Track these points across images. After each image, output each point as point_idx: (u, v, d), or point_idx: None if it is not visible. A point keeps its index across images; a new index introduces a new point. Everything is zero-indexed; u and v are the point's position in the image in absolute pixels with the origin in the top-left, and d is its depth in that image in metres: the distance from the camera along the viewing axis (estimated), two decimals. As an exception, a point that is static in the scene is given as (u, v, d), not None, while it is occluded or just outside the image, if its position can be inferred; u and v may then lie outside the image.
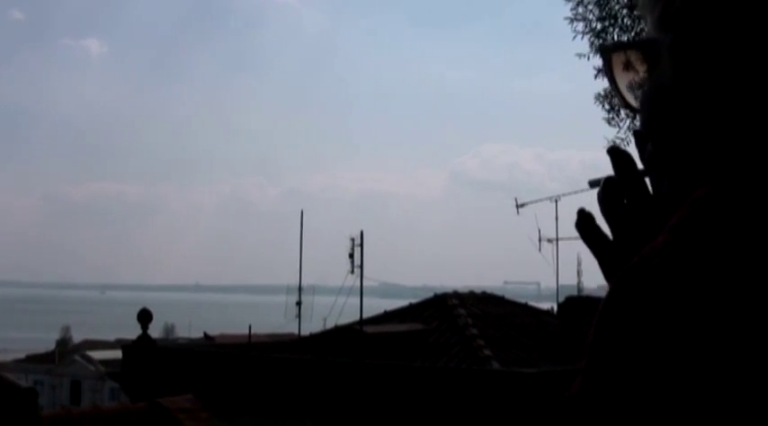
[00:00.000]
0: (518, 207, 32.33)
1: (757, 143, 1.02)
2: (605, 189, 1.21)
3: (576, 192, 36.77)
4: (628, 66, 1.18)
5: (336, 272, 27.94)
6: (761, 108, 1.03)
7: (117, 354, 33.21)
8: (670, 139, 1.11)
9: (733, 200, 0.94)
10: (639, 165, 1.19)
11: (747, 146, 1.03)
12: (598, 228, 1.21)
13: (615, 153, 1.22)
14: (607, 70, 1.21)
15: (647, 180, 1.20)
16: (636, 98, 1.18)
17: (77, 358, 70.98)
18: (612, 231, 1.22)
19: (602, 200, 1.21)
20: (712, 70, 1.05)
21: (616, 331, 0.92)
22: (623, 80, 1.19)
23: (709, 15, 1.06)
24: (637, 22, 12.30)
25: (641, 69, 1.16)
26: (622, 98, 1.20)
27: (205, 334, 37.91)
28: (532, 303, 31.05)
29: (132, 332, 26.92)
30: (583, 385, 0.93)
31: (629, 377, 0.89)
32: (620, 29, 12.34)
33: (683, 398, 0.85)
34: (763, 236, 0.89)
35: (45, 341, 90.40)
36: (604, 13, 12.53)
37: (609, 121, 12.58)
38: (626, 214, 1.20)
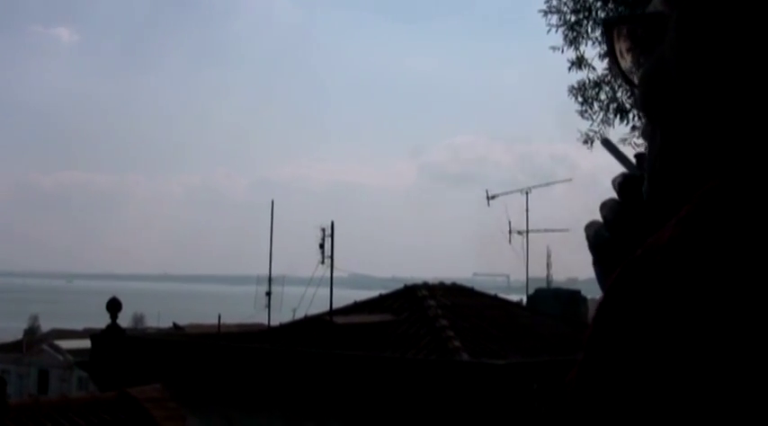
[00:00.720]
0: (489, 198, 32.50)
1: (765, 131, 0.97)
2: (625, 187, 1.18)
3: (546, 185, 36.98)
4: (630, 41, 1.14)
5: (306, 263, 27.97)
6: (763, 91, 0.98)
7: (85, 343, 33.04)
8: (668, 120, 1.06)
9: (745, 195, 0.89)
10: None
11: (759, 134, 0.97)
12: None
13: (607, 144, 1.21)
14: (608, 44, 1.16)
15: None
16: (636, 74, 1.13)
17: (45, 347, 70.52)
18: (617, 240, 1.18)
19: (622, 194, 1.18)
20: (721, 49, 1.00)
21: (618, 325, 0.89)
22: (624, 55, 1.14)
23: None
24: (611, 14, 12.32)
25: (644, 44, 1.11)
26: (623, 73, 1.15)
27: (174, 324, 37.79)
28: (502, 295, 31.11)
29: (101, 321, 26.80)
30: (579, 378, 0.91)
31: (629, 373, 0.86)
32: (595, 21, 12.37)
33: (689, 396, 0.82)
34: None
35: (12, 331, 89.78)
36: (579, 6, 12.56)
37: (582, 114, 12.62)
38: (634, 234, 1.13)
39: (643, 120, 1.13)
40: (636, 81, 1.13)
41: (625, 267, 0.92)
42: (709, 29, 1.01)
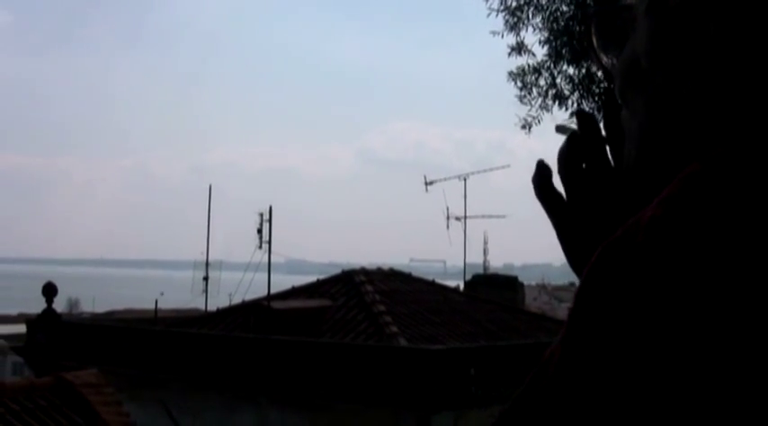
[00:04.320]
0: (427, 184, 32.57)
1: (745, 115, 0.98)
2: (569, 144, 1.20)
3: (484, 171, 37.14)
4: (607, 33, 1.16)
5: (244, 248, 27.88)
6: (743, 76, 0.99)
7: (20, 328, 32.71)
8: (644, 108, 1.08)
9: (728, 178, 0.90)
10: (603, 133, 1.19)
11: (734, 118, 0.98)
12: (553, 186, 1.20)
13: (582, 116, 1.21)
14: (587, 36, 1.19)
15: (609, 148, 1.20)
16: (614, 65, 1.15)
17: (-22, 332, 69.74)
18: (567, 190, 1.20)
19: (564, 156, 1.20)
20: (690, 36, 1.02)
21: (598, 307, 0.88)
22: (602, 47, 1.18)
23: None
24: (552, 1, 12.39)
25: (619, 36, 1.13)
26: (602, 65, 1.18)
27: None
28: (439, 280, 31.15)
29: (35, 306, 26.54)
30: (560, 362, 0.89)
31: (609, 356, 0.85)
32: (535, 8, 12.43)
33: (671, 380, 0.82)
34: (757, 216, 0.86)
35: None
36: (520, -9, 12.59)
37: (521, 99, 12.67)
38: (584, 176, 1.19)
39: (623, 113, 1.15)
40: (612, 71, 1.16)
41: (605, 247, 0.91)
42: (675, 20, 1.04)
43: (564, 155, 1.20)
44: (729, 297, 0.83)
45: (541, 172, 1.23)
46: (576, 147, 1.20)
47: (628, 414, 0.84)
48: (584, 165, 1.20)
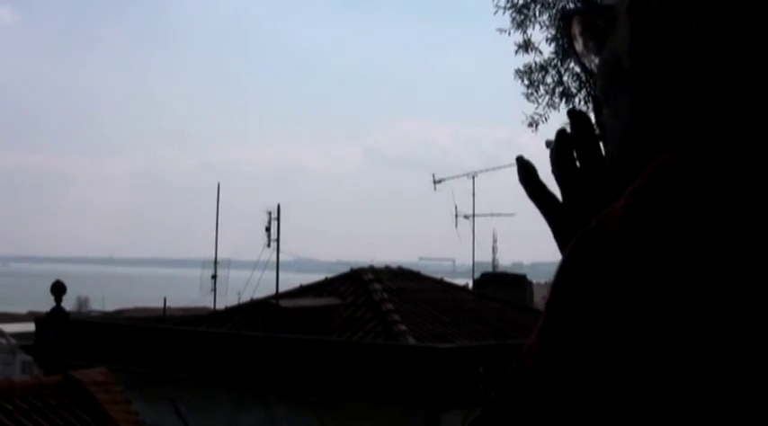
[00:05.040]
0: (435, 183, 32.54)
1: (718, 110, 0.99)
2: (559, 143, 1.20)
3: (492, 169, 37.05)
4: (587, 32, 1.17)
5: (252, 246, 27.88)
6: (724, 75, 1.00)
7: (29, 327, 32.77)
8: (628, 109, 1.09)
9: (698, 168, 0.92)
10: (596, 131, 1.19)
11: (707, 112, 1.00)
12: (541, 181, 1.20)
13: (574, 114, 1.22)
14: (567, 34, 1.19)
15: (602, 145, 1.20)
16: (595, 64, 1.16)
17: (-13, 330, 69.88)
18: (562, 189, 1.20)
19: (555, 155, 1.20)
20: (672, 36, 1.03)
21: (572, 296, 0.89)
22: (582, 46, 1.18)
23: None
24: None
25: (600, 35, 1.14)
26: (582, 64, 1.18)
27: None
28: (448, 279, 31.12)
29: (45, 304, 26.57)
30: (537, 354, 0.91)
31: (583, 346, 0.86)
32: (542, 5, 12.41)
33: (644, 371, 0.83)
34: (725, 204, 0.88)
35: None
36: (526, -12, 12.57)
37: (528, 97, 12.66)
38: (578, 173, 1.19)
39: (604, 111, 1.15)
40: (594, 69, 1.17)
41: (579, 237, 0.93)
42: (657, 20, 1.04)
43: (556, 154, 1.20)
44: (698, 285, 0.84)
45: (526, 169, 1.23)
46: (568, 146, 1.20)
47: (601, 403, 0.84)
48: (577, 164, 1.20)
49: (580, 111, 1.22)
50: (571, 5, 12.23)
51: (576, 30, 1.19)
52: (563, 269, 0.92)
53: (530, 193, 1.22)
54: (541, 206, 1.22)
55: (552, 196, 1.21)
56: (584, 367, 0.86)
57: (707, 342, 0.82)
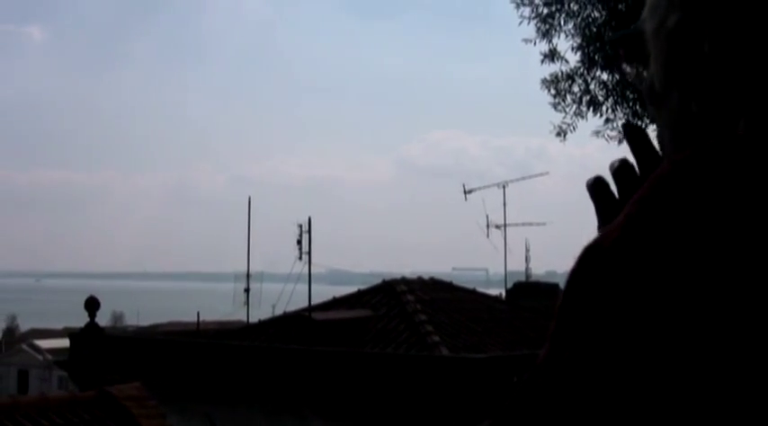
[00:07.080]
0: (466, 193, 32.53)
1: (723, 124, 1.04)
2: (620, 171, 1.18)
3: (523, 179, 37.05)
4: (631, 55, 1.21)
5: (284, 259, 27.92)
6: (736, 91, 1.04)
7: (64, 343, 32.93)
8: (661, 127, 1.15)
9: (695, 178, 0.94)
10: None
11: (717, 127, 1.04)
12: (614, 197, 1.17)
13: (631, 129, 1.22)
14: (616, 60, 1.25)
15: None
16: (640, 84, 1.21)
17: (24, 347, 70.16)
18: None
19: (618, 181, 1.18)
20: (688, 57, 1.08)
21: (579, 301, 0.93)
22: (631, 71, 1.22)
23: (683, 1, 1.08)
24: (583, 7, 12.36)
25: (642, 58, 1.18)
26: (632, 84, 1.26)
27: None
28: (481, 289, 31.06)
29: (80, 320, 26.68)
30: (547, 359, 0.94)
31: (588, 352, 0.90)
32: (567, 14, 12.39)
33: (646, 378, 0.86)
34: (722, 215, 0.90)
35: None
36: (551, -3, 12.56)
37: (555, 106, 12.64)
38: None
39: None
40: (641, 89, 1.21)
41: (585, 249, 0.96)
42: (674, 42, 1.09)
43: (617, 177, 1.17)
44: (694, 289, 0.87)
45: (599, 185, 1.18)
46: (630, 172, 1.17)
47: (602, 403, 0.87)
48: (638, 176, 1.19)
49: (636, 125, 1.24)
50: (596, 14, 12.23)
51: (623, 55, 1.23)
52: (571, 276, 0.96)
53: (597, 206, 1.18)
54: (603, 217, 1.17)
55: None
56: (586, 367, 0.89)
57: (704, 342, 0.85)
